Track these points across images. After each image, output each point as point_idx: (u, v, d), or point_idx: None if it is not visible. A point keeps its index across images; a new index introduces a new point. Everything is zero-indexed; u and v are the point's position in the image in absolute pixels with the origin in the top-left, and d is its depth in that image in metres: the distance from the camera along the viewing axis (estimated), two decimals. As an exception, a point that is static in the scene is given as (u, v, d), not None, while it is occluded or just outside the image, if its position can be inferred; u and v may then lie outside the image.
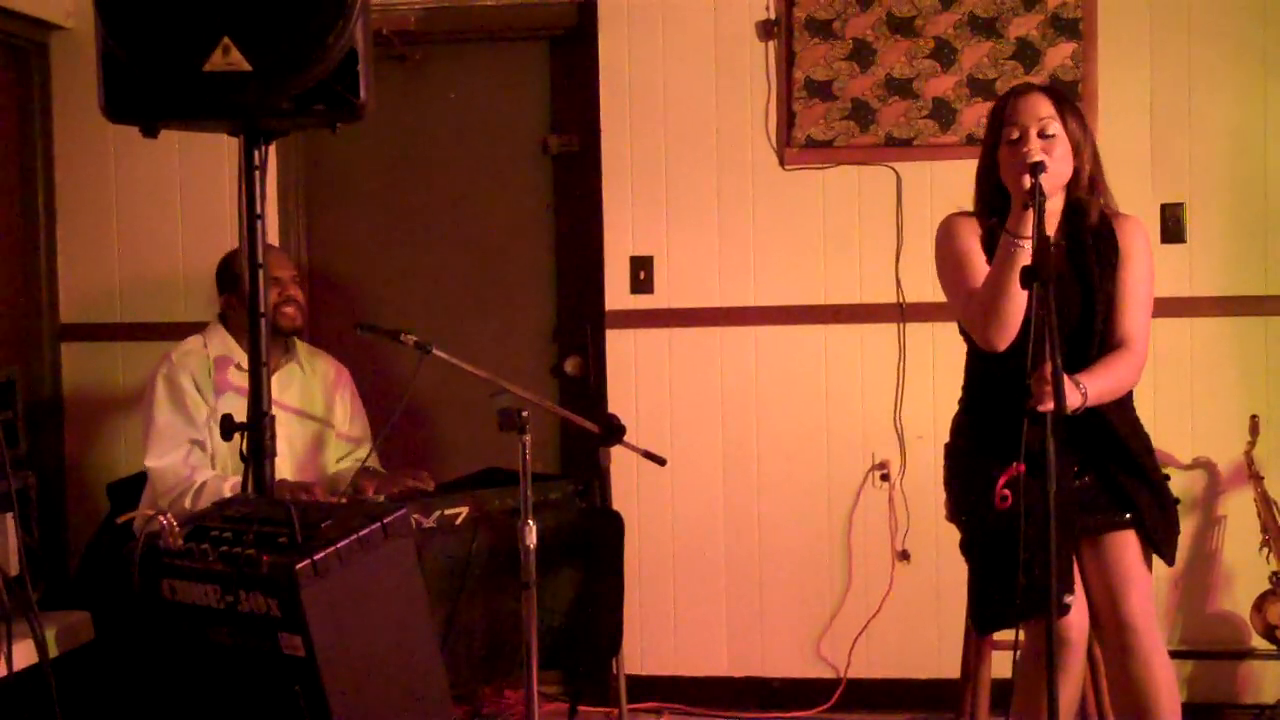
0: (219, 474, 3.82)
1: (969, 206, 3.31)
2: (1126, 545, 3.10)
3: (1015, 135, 3.10)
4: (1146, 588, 3.07)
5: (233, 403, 3.73)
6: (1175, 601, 4.43)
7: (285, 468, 3.96)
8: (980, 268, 3.15)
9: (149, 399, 3.92)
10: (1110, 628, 3.04)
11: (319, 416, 4.13)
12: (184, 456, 3.83)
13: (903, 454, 4.56)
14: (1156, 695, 3.01)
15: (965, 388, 3.38)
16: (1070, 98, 3.23)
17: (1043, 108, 3.11)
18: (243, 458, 2.97)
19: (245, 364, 3.88)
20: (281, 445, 3.93)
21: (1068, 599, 2.94)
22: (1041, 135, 3.07)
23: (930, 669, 4.49)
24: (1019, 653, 3.00)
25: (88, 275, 4.87)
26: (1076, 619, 3.01)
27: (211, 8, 2.71)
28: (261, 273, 2.98)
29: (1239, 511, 4.39)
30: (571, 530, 3.86)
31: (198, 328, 4.12)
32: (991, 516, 2.99)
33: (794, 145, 4.58)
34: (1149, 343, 3.20)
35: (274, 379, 3.96)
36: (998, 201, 3.15)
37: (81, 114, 4.63)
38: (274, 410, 3.90)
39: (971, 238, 3.21)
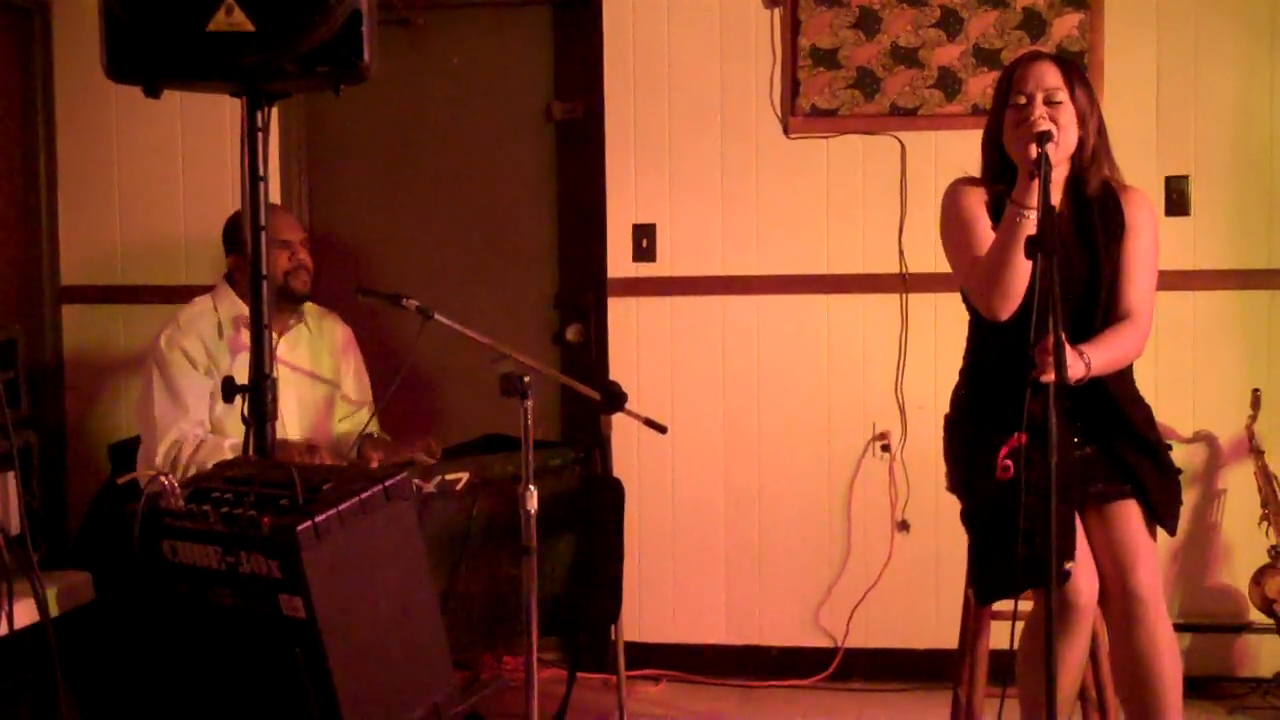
0: (218, 436, 3.81)
1: (975, 175, 3.29)
2: (1131, 516, 3.10)
3: (1022, 101, 3.08)
4: (1153, 559, 3.07)
5: (245, 363, 3.72)
6: (1174, 574, 4.44)
7: (293, 429, 3.96)
8: (985, 235, 3.14)
9: (152, 366, 3.90)
10: (1117, 598, 3.04)
11: (327, 378, 4.12)
12: (189, 421, 3.82)
13: (903, 424, 4.56)
14: (1160, 666, 3.01)
15: (967, 358, 3.37)
16: (1079, 68, 3.20)
17: (1050, 76, 3.09)
18: (244, 420, 2.97)
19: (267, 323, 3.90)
20: (290, 405, 3.96)
21: (1068, 566, 2.94)
22: (1048, 102, 3.06)
23: (928, 639, 4.50)
24: (1017, 623, 3.00)
25: (89, 237, 4.87)
26: (1085, 584, 3.01)
27: (215, -33, 2.70)
28: (264, 235, 2.97)
29: (1239, 485, 4.40)
30: (572, 497, 3.86)
31: (198, 290, 4.12)
32: (993, 486, 2.99)
33: (798, 114, 4.56)
34: (1153, 315, 3.19)
35: (282, 341, 3.99)
36: (1004, 168, 3.14)
37: (83, 75, 4.62)
38: (282, 371, 3.95)
39: (978, 204, 3.20)
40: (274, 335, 3.94)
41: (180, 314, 3.96)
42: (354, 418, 4.16)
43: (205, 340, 3.90)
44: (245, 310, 3.91)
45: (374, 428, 4.09)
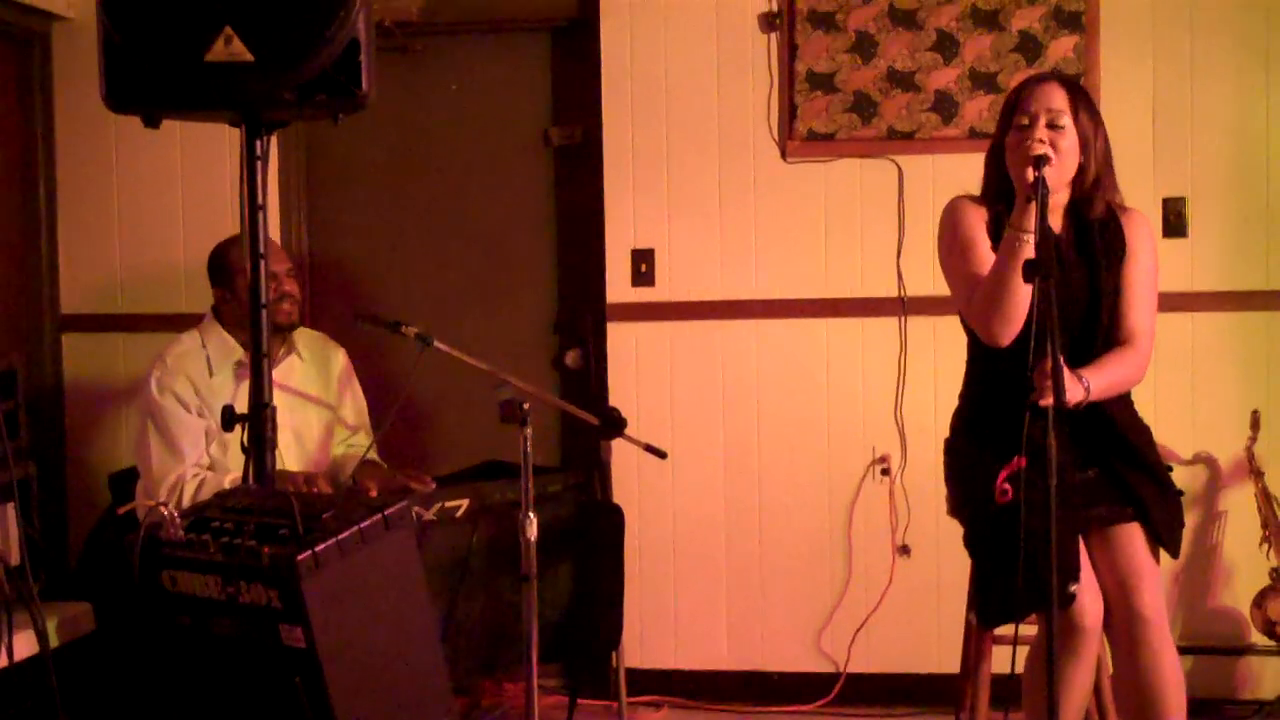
0: (217, 473, 3.80)
1: (974, 194, 3.30)
2: (1134, 538, 3.10)
3: (1025, 122, 3.08)
4: (1157, 581, 3.07)
5: (240, 398, 3.71)
6: (1176, 597, 4.43)
7: (290, 458, 3.94)
8: (983, 253, 3.14)
9: (145, 414, 3.86)
10: (1122, 620, 3.04)
11: (325, 403, 4.11)
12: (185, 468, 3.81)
13: (903, 448, 4.56)
14: (1164, 689, 3.00)
15: (966, 381, 3.37)
16: (1085, 93, 3.20)
17: (1056, 99, 3.09)
18: (244, 449, 2.97)
19: (246, 360, 3.88)
20: (286, 436, 3.93)
21: (1072, 588, 2.94)
22: (1051, 125, 3.06)
23: (930, 664, 4.49)
24: (1019, 647, 2.99)
25: (89, 266, 4.87)
26: (1090, 606, 3.01)
27: (213, -3, 2.71)
28: (264, 264, 2.98)
29: (1240, 507, 4.39)
30: (572, 523, 3.86)
31: (199, 319, 4.11)
32: (994, 510, 2.99)
33: (796, 138, 4.57)
34: (1154, 339, 3.19)
35: (274, 372, 3.96)
36: (1006, 187, 3.14)
37: (83, 104, 4.62)
38: (278, 400, 3.93)
39: (977, 224, 3.19)
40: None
41: (167, 353, 3.91)
42: (348, 441, 4.15)
43: (194, 380, 3.85)
44: (234, 346, 3.90)
45: (372, 454, 4.09)
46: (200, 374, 3.87)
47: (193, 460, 3.79)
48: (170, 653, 2.71)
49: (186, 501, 3.70)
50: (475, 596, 3.64)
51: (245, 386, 3.72)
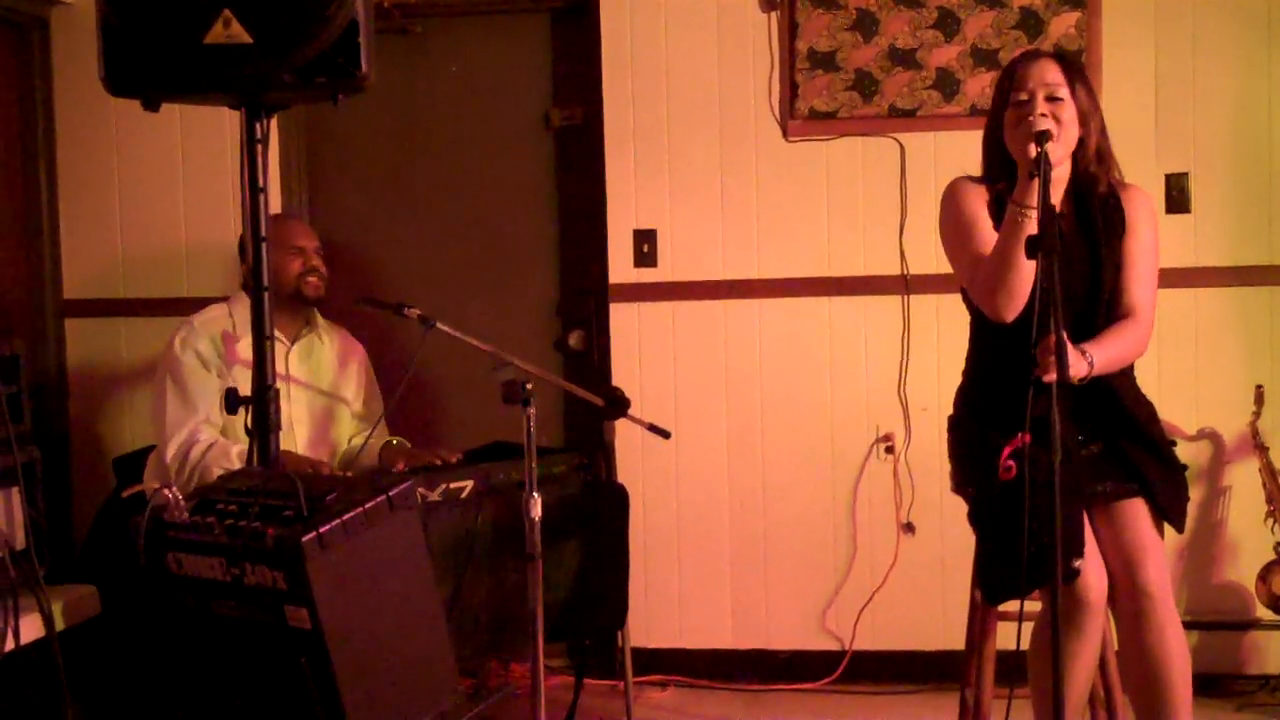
0: (227, 440, 3.82)
1: (975, 174, 3.29)
2: (1138, 513, 3.10)
3: (1023, 98, 3.08)
4: (1161, 556, 3.07)
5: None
6: (1180, 572, 4.43)
7: (301, 438, 3.96)
8: (986, 234, 3.14)
9: (165, 368, 3.91)
10: (1126, 595, 3.04)
11: (338, 393, 4.12)
12: (199, 421, 3.83)
13: (907, 426, 4.56)
14: (1169, 663, 3.00)
15: (969, 358, 3.37)
16: (1080, 67, 3.20)
17: (1052, 73, 3.09)
18: (247, 431, 2.97)
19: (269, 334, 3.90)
20: (300, 415, 3.97)
21: (1076, 563, 2.94)
22: (1049, 99, 3.06)
23: (935, 640, 4.50)
24: (1024, 623, 3.00)
25: (91, 251, 4.87)
26: (1095, 581, 3.01)
27: (212, -20, 2.71)
28: (264, 246, 2.98)
29: (1244, 482, 4.40)
30: (576, 504, 3.86)
31: (201, 302, 4.12)
32: (998, 486, 2.99)
33: (797, 117, 4.56)
34: (1155, 313, 3.19)
35: (294, 350, 4.00)
36: (1006, 166, 3.14)
37: (82, 88, 4.62)
38: (294, 382, 3.95)
39: (978, 203, 3.19)
40: (285, 342, 3.97)
41: (195, 317, 3.99)
42: (365, 434, 4.16)
43: (217, 342, 3.92)
44: None
45: (387, 434, 4.11)
46: (221, 340, 3.92)
47: (206, 416, 3.82)
48: (176, 635, 2.72)
49: (194, 459, 3.74)
50: (480, 577, 3.64)
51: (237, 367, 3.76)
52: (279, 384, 3.05)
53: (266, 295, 3.00)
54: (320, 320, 4.15)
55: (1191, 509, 3.95)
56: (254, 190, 2.96)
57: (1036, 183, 2.87)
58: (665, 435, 3.97)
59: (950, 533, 4.26)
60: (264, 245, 2.98)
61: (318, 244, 4.12)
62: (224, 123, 4.56)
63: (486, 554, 3.65)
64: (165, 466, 3.78)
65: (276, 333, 3.90)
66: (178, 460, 3.76)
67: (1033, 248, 2.72)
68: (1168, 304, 3.82)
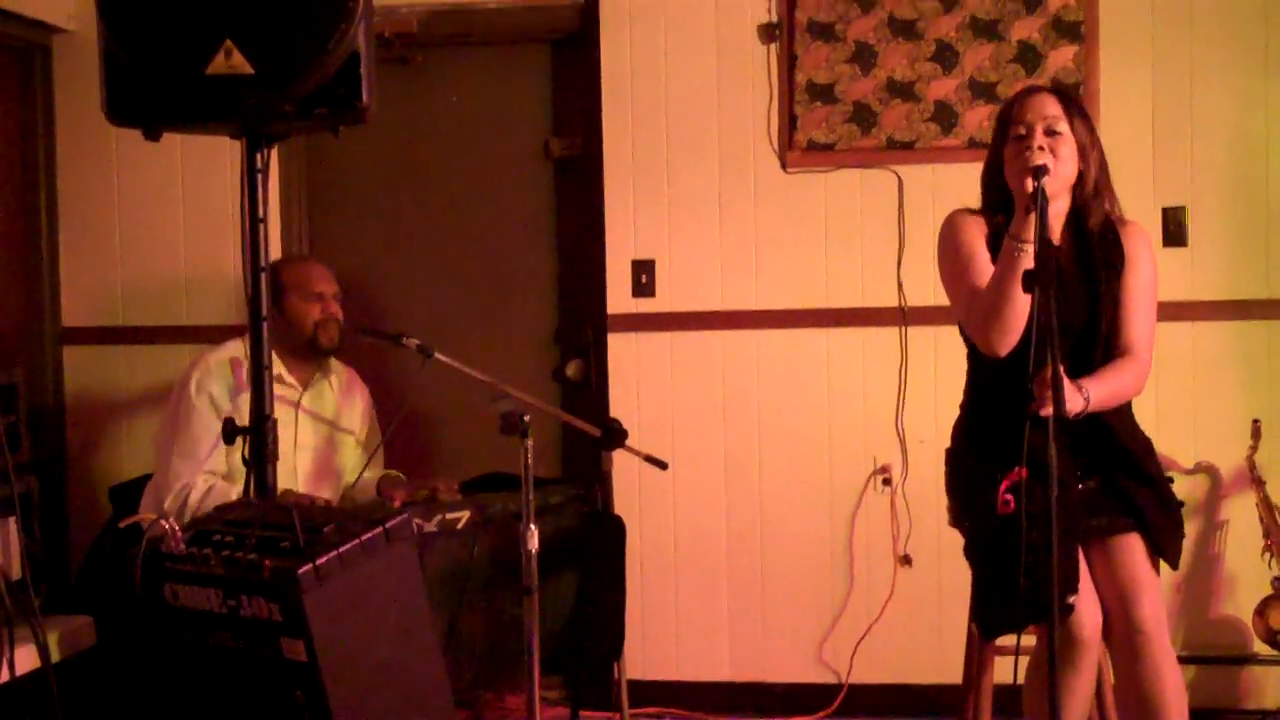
0: (228, 482, 3.80)
1: (974, 206, 3.30)
2: (1134, 549, 3.09)
3: (1022, 132, 3.09)
4: (1156, 591, 3.07)
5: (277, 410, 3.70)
6: (1178, 606, 4.42)
7: (304, 483, 3.92)
8: (983, 267, 3.14)
9: (177, 411, 3.87)
10: (1121, 631, 3.04)
11: (340, 423, 4.11)
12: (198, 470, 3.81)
13: (904, 458, 4.56)
14: (1165, 700, 3.00)
15: (967, 391, 3.37)
16: (1079, 101, 3.22)
17: (1050, 107, 3.11)
18: (245, 463, 2.97)
19: (285, 376, 3.89)
20: (305, 456, 3.93)
21: (1070, 599, 2.93)
22: (1048, 132, 3.07)
23: (932, 674, 4.48)
24: (1020, 657, 2.99)
25: (90, 278, 4.87)
26: (1089, 617, 3.00)
27: (214, 11, 2.72)
28: (263, 276, 2.98)
29: (1241, 516, 4.39)
30: (573, 535, 3.86)
31: (200, 331, 4.11)
32: (995, 521, 2.99)
33: (795, 148, 4.58)
34: (1153, 351, 3.19)
35: (306, 395, 3.96)
36: (1005, 200, 3.15)
37: (83, 117, 4.63)
38: (303, 424, 3.91)
39: (976, 236, 3.20)
40: (297, 387, 3.95)
41: (210, 356, 3.93)
42: (360, 469, 4.15)
43: (228, 377, 3.87)
44: (274, 359, 3.88)
45: (378, 467, 4.09)
46: (234, 365, 3.87)
47: (208, 468, 3.80)
48: (172, 666, 2.71)
49: (193, 503, 3.72)
50: (477, 608, 3.63)
51: (274, 400, 3.74)
52: (288, 428, 3.03)
53: (265, 325, 3.00)
54: (334, 365, 4.13)
55: (1188, 543, 3.96)
56: (254, 220, 2.96)
57: (1033, 217, 2.88)
58: (662, 466, 3.97)
59: (947, 566, 4.24)
60: (263, 276, 2.98)
61: (336, 289, 4.09)
62: (224, 152, 4.55)
63: (483, 585, 3.64)
64: (163, 512, 3.74)
65: (290, 378, 3.92)
66: (175, 506, 3.73)
67: (1029, 282, 2.72)
68: (1165, 337, 3.82)
